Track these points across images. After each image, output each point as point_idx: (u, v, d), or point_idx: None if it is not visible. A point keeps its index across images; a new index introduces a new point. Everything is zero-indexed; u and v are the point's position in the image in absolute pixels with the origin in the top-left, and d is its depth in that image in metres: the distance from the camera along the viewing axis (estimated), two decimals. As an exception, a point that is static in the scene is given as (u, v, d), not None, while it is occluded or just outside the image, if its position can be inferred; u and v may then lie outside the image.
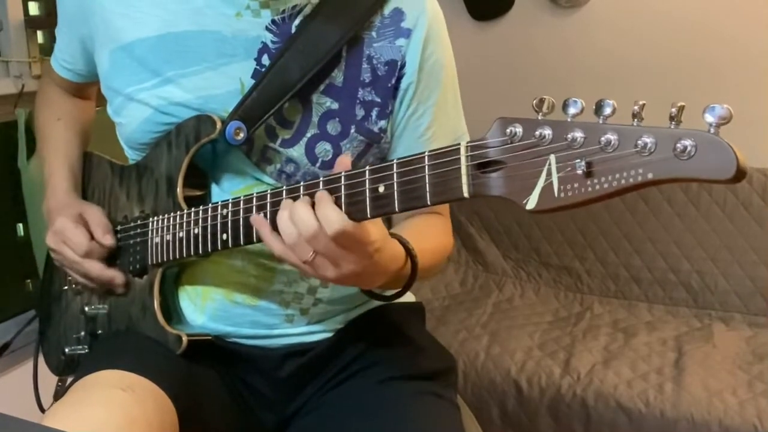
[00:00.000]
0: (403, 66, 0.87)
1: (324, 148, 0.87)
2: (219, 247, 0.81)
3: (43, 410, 1.15)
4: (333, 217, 0.68)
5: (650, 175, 0.50)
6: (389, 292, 0.83)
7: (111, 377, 0.81)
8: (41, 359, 1.11)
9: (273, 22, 0.85)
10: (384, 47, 0.87)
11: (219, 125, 0.83)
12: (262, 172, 0.88)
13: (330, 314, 0.93)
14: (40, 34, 1.74)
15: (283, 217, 0.71)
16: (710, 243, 2.18)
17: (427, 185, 0.63)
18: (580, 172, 0.53)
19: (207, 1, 0.85)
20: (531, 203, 0.56)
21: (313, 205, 0.70)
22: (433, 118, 0.91)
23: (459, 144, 0.61)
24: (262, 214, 0.75)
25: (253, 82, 0.84)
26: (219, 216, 0.81)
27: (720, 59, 2.25)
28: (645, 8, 2.33)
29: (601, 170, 0.52)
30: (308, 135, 0.86)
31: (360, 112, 0.87)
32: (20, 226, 1.86)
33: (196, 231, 0.83)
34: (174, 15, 0.85)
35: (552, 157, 0.55)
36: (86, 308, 0.99)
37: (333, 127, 0.87)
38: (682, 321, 2.12)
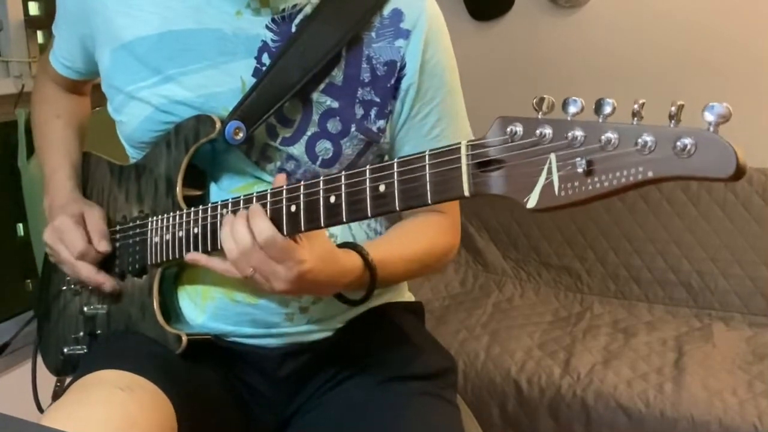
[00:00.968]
0: (402, 67, 0.87)
1: (324, 147, 0.87)
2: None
3: (41, 410, 1.15)
4: (263, 228, 0.73)
5: (650, 174, 0.50)
6: (357, 295, 0.85)
7: (110, 377, 0.81)
8: (40, 359, 1.11)
9: (273, 20, 0.85)
10: (383, 48, 0.87)
11: (218, 125, 0.83)
12: (261, 171, 0.88)
13: (330, 313, 0.93)
14: (40, 34, 1.74)
15: (224, 233, 0.76)
16: (710, 243, 2.18)
17: (428, 184, 0.63)
18: (580, 170, 0.53)
19: None
20: (532, 202, 0.56)
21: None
22: (440, 117, 0.91)
23: (459, 143, 0.61)
24: (192, 253, 0.83)
25: (253, 80, 0.85)
26: (219, 216, 0.81)
27: (720, 58, 2.25)
28: (645, 8, 2.33)
29: (601, 169, 0.52)
30: (309, 133, 0.87)
31: (359, 111, 0.87)
32: (20, 226, 1.86)
33: (195, 231, 0.83)
34: (175, 13, 0.86)
35: (552, 156, 0.55)
36: (85, 308, 0.99)
37: (333, 126, 0.87)
38: (682, 321, 2.11)
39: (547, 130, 0.55)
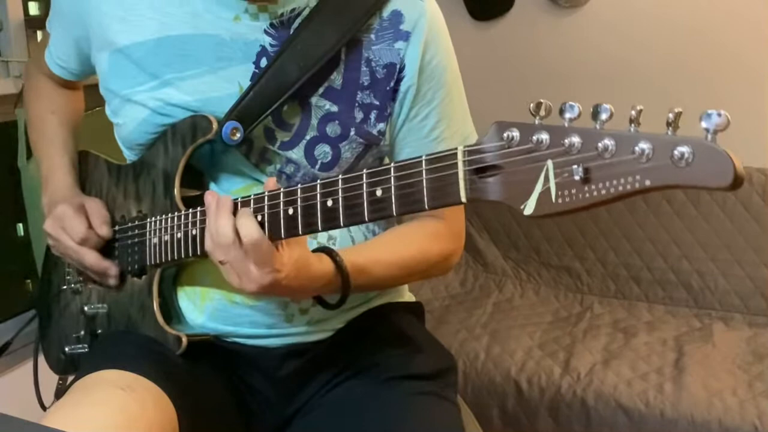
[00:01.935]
0: (402, 69, 0.87)
1: (323, 150, 0.87)
2: None
3: (44, 408, 1.15)
4: (252, 230, 0.73)
5: (647, 182, 0.50)
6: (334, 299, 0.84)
7: (111, 377, 0.81)
8: (42, 359, 1.11)
9: (271, 25, 0.85)
10: (382, 50, 0.87)
11: (215, 125, 0.83)
12: (261, 173, 0.88)
13: (330, 314, 0.93)
14: (40, 34, 1.74)
15: (208, 223, 0.77)
16: (710, 243, 2.18)
17: (425, 189, 0.63)
18: (577, 178, 0.52)
19: (205, 4, 0.85)
20: (529, 209, 0.56)
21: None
22: (439, 119, 0.91)
23: (456, 148, 0.61)
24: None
25: None
26: None
27: (720, 59, 2.25)
28: (645, 9, 2.33)
29: (598, 177, 0.52)
30: (308, 137, 0.86)
31: (359, 115, 0.87)
32: (20, 226, 1.86)
33: (194, 232, 0.83)
34: (172, 18, 0.85)
35: (549, 163, 0.54)
36: (85, 307, 0.99)
37: (332, 130, 0.87)
38: (682, 321, 2.11)
39: (544, 136, 0.55)
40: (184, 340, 0.86)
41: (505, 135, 0.57)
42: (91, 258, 0.93)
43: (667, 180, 0.49)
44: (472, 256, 2.51)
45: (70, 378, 0.92)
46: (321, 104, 0.86)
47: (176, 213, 0.86)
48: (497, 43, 2.59)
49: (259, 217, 0.75)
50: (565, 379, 1.79)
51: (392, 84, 0.87)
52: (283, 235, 0.74)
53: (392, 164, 0.65)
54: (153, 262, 0.90)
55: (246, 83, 0.85)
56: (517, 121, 0.57)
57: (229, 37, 0.85)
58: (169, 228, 0.86)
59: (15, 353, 1.60)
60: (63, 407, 0.76)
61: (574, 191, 0.53)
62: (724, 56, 2.25)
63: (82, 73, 1.01)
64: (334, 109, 0.86)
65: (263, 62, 0.85)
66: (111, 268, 0.94)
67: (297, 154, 0.87)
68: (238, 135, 0.83)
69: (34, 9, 1.80)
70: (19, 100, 1.61)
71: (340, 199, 0.69)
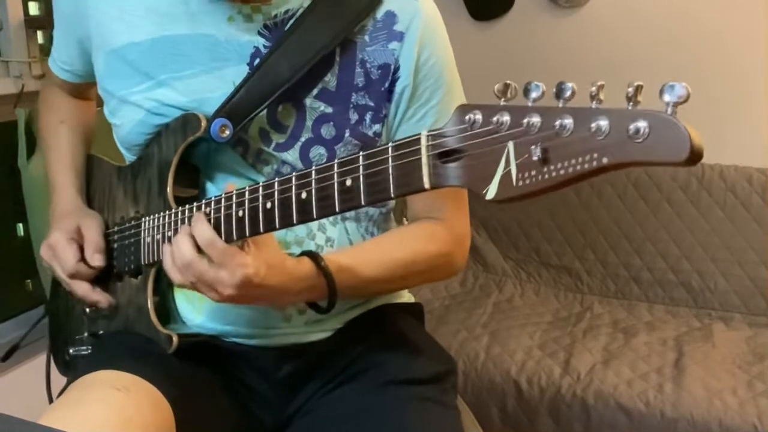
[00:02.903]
0: (396, 70, 0.87)
1: (318, 152, 0.87)
2: None
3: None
4: (204, 231, 0.73)
5: (605, 160, 0.47)
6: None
7: (107, 377, 0.81)
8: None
9: (265, 26, 0.85)
10: (377, 51, 0.86)
11: (204, 122, 0.83)
12: (258, 173, 0.88)
13: (328, 314, 0.92)
14: (40, 34, 1.74)
15: (165, 249, 0.78)
16: (710, 243, 2.18)
17: (390, 177, 0.61)
18: (536, 158, 0.50)
19: (200, 5, 0.85)
20: (491, 193, 0.54)
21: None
22: (437, 118, 0.90)
23: (420, 133, 0.59)
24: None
25: None
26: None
27: (720, 59, 2.25)
28: (644, 8, 2.33)
29: (556, 156, 0.49)
30: (302, 139, 0.86)
31: (354, 117, 0.87)
32: (20, 226, 1.86)
33: None
34: (167, 19, 0.85)
35: (510, 144, 0.52)
36: (87, 309, 0.99)
37: (327, 131, 0.86)
38: (682, 321, 2.11)
39: (505, 117, 0.52)
40: (175, 339, 0.86)
41: (467, 117, 0.55)
42: (81, 290, 0.94)
43: (624, 157, 0.47)
44: (472, 256, 2.50)
45: (72, 379, 0.92)
46: (315, 106, 0.86)
47: (168, 211, 0.86)
48: (497, 43, 2.58)
49: (214, 220, 0.75)
50: (565, 379, 1.79)
51: (387, 85, 0.87)
52: (261, 230, 0.72)
53: (360, 153, 0.64)
54: (147, 262, 0.89)
55: None
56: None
57: (224, 38, 0.85)
58: (161, 226, 0.86)
59: (22, 350, 1.60)
60: (59, 407, 0.76)
61: (533, 173, 0.51)
62: (724, 56, 2.24)
63: (87, 73, 1.00)
64: (329, 110, 0.86)
65: (257, 63, 0.85)
66: (101, 301, 0.94)
67: (292, 155, 0.87)
68: (228, 132, 0.82)
69: (34, 9, 1.80)
70: (19, 100, 1.61)
71: (313, 190, 0.67)
